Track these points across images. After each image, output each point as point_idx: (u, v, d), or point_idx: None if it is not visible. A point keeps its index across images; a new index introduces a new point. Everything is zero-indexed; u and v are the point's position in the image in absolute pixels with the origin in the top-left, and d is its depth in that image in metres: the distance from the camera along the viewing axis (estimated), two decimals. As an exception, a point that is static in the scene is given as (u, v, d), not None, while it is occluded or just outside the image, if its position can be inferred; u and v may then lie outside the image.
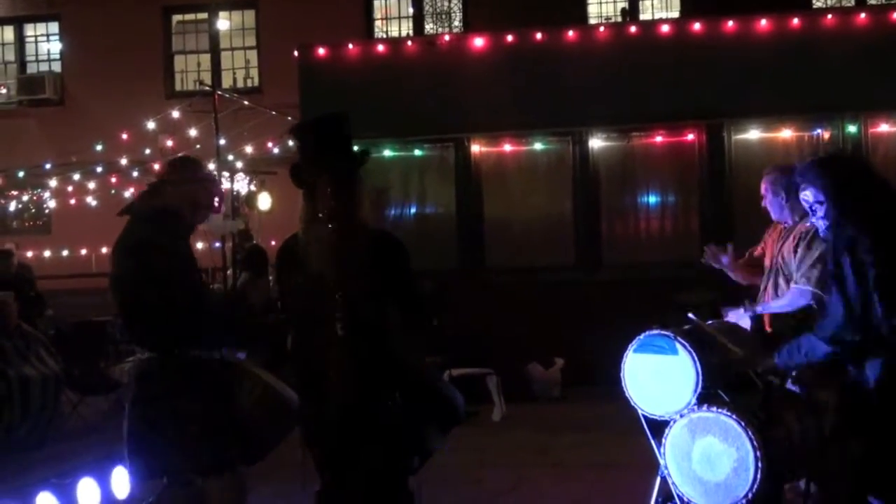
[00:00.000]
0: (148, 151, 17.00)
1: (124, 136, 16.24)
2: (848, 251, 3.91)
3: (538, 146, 11.25)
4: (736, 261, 5.97)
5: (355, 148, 3.98)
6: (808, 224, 5.19)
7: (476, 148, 10.99)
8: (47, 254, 18.15)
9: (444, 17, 19.72)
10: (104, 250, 17.51)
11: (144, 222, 4.38)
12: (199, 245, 10.20)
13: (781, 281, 5.51)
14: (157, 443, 4.28)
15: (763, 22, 10.40)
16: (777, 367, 4.44)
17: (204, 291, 4.57)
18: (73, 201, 18.14)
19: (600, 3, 18.89)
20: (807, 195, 4.23)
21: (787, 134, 10.76)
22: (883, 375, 3.86)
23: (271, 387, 4.47)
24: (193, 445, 4.26)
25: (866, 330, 3.81)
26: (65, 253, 18.30)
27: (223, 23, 17.61)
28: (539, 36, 10.81)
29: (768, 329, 5.44)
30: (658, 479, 4.97)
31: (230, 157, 15.60)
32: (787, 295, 5.36)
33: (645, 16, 18.15)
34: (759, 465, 4.44)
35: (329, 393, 3.75)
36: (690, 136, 10.83)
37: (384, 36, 19.16)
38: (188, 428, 4.24)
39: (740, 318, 5.53)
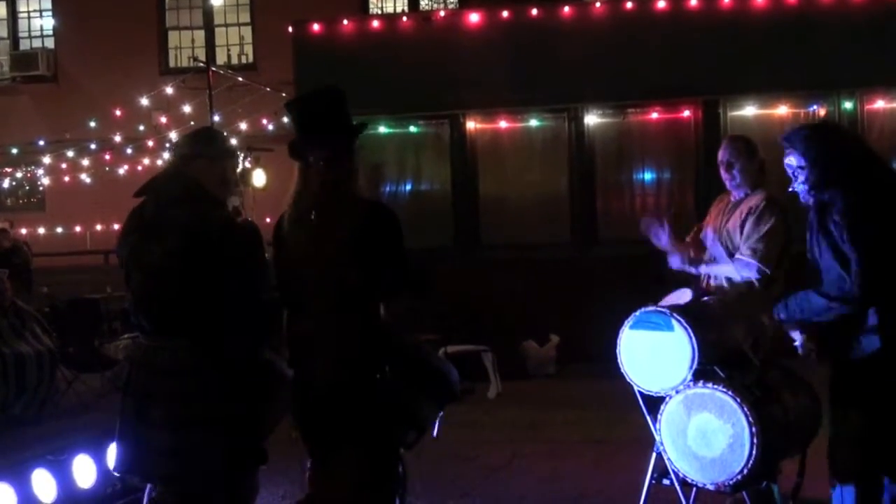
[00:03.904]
0: (142, 128, 16.97)
1: (118, 113, 16.20)
2: (820, 214, 4.00)
3: (534, 123, 11.22)
4: (677, 241, 5.44)
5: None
6: (757, 198, 5.15)
7: (471, 124, 10.96)
8: (41, 231, 18.11)
9: (439, -8, 19.63)
10: (98, 227, 17.52)
11: (185, 202, 3.97)
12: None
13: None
14: (186, 447, 3.86)
15: (760, -2, 10.37)
16: (780, 319, 4.35)
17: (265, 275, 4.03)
18: (66, 178, 18.10)
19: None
20: (790, 160, 4.25)
21: (783, 110, 10.74)
22: (879, 350, 3.91)
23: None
24: (228, 448, 3.90)
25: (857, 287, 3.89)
26: (59, 230, 18.27)
27: (217, -2, 17.54)
28: (535, 12, 10.76)
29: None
30: (654, 456, 4.97)
31: (224, 134, 15.54)
32: (732, 263, 5.14)
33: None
34: (755, 441, 4.44)
35: (318, 368, 3.75)
36: (686, 113, 10.82)
37: (379, 12, 19.07)
38: (233, 433, 3.89)
39: (680, 297, 5.27)
